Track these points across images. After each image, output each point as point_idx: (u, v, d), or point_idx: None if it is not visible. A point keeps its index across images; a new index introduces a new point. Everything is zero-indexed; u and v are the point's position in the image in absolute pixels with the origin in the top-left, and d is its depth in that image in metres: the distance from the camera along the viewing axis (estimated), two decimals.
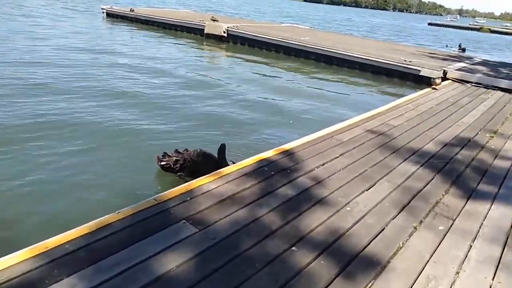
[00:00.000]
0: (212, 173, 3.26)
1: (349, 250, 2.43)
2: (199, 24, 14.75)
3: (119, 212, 2.55)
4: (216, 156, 3.91)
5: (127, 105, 6.10)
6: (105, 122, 5.29)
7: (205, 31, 14.39)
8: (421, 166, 3.86)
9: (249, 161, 3.56)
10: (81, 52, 9.74)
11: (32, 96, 6.00)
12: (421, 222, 2.85)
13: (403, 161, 3.93)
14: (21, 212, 3.20)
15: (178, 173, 3.86)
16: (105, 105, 5.97)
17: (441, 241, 2.63)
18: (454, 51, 16.90)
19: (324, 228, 2.63)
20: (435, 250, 2.52)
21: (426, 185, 3.45)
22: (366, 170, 3.63)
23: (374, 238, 2.59)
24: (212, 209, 2.71)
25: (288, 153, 3.85)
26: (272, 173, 3.36)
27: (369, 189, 3.28)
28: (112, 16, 18.47)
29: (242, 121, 5.97)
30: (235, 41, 13.81)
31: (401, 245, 2.54)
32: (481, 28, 54.87)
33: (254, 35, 13.03)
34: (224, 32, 13.85)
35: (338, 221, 2.74)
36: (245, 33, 13.31)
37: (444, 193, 3.34)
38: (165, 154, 3.94)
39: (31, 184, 3.61)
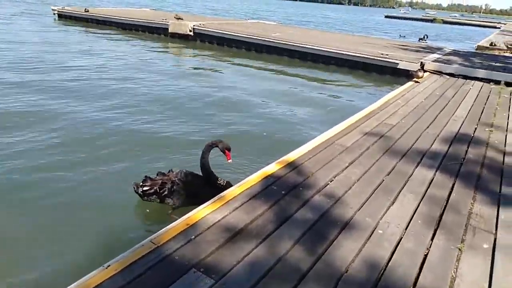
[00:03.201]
0: (214, 199, 2.74)
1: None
2: (162, 23, 13.95)
3: (109, 266, 1.98)
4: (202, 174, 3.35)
5: (82, 127, 5.07)
6: (62, 148, 4.42)
7: (170, 30, 13.61)
8: (437, 170, 3.54)
9: (254, 179, 3.07)
10: (28, 59, 8.74)
11: None
12: (462, 241, 2.49)
13: (417, 166, 3.59)
14: None
15: (166, 201, 3.22)
16: (47, 129, 4.90)
17: (493, 265, 2.27)
18: (422, 41, 17.13)
19: (362, 261, 2.20)
20: (491, 278, 2.16)
21: (450, 193, 3.11)
22: (383, 180, 3.25)
23: (421, 268, 2.19)
24: (224, 249, 2.20)
25: (294, 165, 3.39)
26: (283, 192, 2.89)
27: (393, 203, 2.89)
28: (64, 17, 17.16)
29: (226, 130, 5.41)
30: (202, 40, 13.16)
31: (453, 275, 2.16)
32: (434, 19, 57.02)
33: (223, 33, 12.45)
34: (190, 31, 13.16)
35: (374, 249, 2.32)
36: (213, 31, 12.69)
37: (472, 201, 3.02)
38: (146, 178, 3.24)
39: None
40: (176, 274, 1.97)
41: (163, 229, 2.34)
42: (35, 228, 2.96)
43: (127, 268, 1.98)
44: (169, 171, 3.37)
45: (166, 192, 3.17)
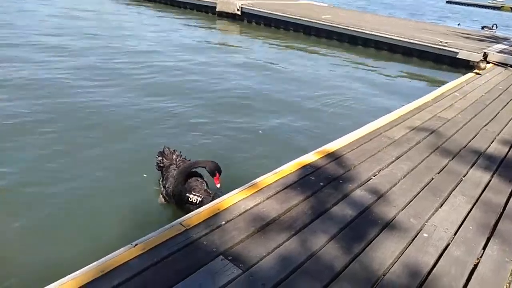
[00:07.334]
0: (246, 185, 2.64)
1: None
2: (210, 2, 13.87)
3: (136, 245, 1.96)
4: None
5: (136, 93, 5.44)
6: (109, 113, 4.65)
7: (217, 9, 13.51)
8: (495, 173, 3.20)
9: (290, 168, 2.93)
10: (85, 34, 9.04)
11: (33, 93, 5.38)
12: None
13: (471, 167, 3.27)
14: (15, 257, 2.47)
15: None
16: (112, 94, 5.33)
17: None
18: (486, 29, 15.72)
19: (402, 266, 2.02)
20: None
21: (508, 200, 2.81)
22: (432, 179, 2.99)
23: (469, 280, 1.98)
24: (254, 239, 2.11)
25: (334, 156, 3.21)
26: (321, 184, 2.74)
27: (442, 205, 2.65)
28: None
29: (267, 115, 5.26)
30: (249, 20, 12.95)
31: None
32: (502, 6, 52.32)
33: (271, 13, 12.15)
34: (238, 10, 12.97)
35: (417, 253, 2.13)
36: (261, 11, 12.42)
37: None
38: (163, 149, 3.27)
39: (23, 222, 2.75)
40: (203, 260, 1.91)
41: (194, 212, 2.29)
42: (62, 202, 3.00)
43: (155, 248, 1.95)
44: (174, 152, 3.24)
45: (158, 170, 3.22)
